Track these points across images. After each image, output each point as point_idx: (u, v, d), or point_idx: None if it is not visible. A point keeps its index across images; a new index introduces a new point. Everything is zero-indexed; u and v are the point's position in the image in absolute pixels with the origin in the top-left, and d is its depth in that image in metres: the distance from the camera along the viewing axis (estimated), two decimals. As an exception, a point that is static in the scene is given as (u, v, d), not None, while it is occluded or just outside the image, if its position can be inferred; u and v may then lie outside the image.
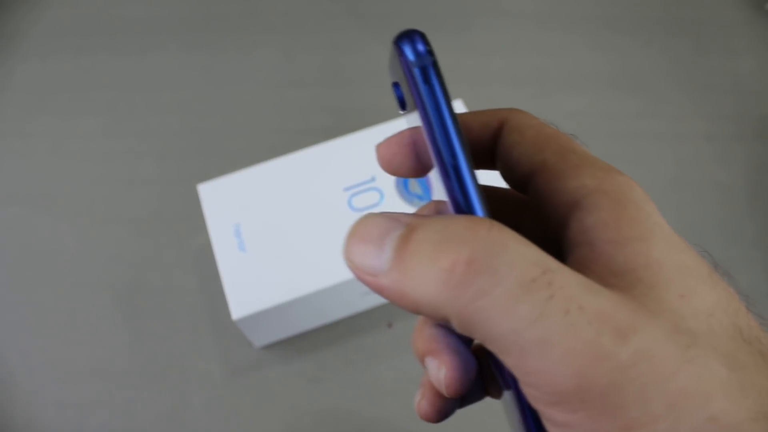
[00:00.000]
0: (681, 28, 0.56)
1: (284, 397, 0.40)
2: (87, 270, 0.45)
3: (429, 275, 0.13)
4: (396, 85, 0.17)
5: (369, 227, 0.14)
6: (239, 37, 0.56)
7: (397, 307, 0.44)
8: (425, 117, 0.14)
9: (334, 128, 0.49)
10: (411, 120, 0.17)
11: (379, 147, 0.18)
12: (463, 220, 0.13)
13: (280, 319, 0.38)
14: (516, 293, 0.12)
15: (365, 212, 0.38)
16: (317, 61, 0.55)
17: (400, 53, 0.14)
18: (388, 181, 0.40)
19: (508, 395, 0.15)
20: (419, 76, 0.14)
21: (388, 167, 0.18)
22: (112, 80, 0.54)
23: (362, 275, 0.14)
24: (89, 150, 0.50)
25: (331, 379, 0.41)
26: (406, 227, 0.14)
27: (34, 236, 0.46)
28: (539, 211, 0.16)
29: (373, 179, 0.40)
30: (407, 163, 0.18)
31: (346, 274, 0.37)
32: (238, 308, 0.36)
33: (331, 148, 0.41)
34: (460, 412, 0.20)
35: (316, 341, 0.42)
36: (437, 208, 0.18)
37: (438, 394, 0.19)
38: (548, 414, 0.13)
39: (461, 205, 0.14)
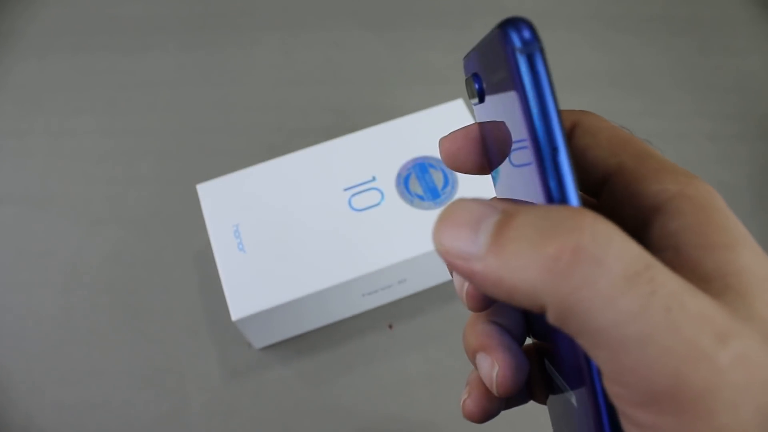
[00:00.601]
0: (684, 26, 0.56)
1: (284, 398, 0.40)
2: (85, 270, 0.45)
3: (531, 261, 0.12)
4: (476, 76, 0.17)
5: (463, 211, 0.14)
6: (238, 35, 0.56)
7: (397, 308, 0.44)
8: (526, 104, 0.13)
9: (334, 128, 0.48)
10: (489, 112, 0.16)
11: (444, 141, 0.18)
12: (566, 209, 0.13)
13: (280, 319, 0.38)
14: (620, 285, 0.12)
15: (366, 211, 0.38)
16: (317, 60, 0.54)
17: (505, 39, 0.13)
18: (388, 181, 0.39)
19: (572, 397, 0.15)
20: (525, 63, 0.13)
21: (453, 162, 0.18)
22: (110, 79, 0.54)
23: (453, 260, 0.14)
24: (87, 149, 0.50)
25: (331, 380, 0.41)
26: (502, 213, 0.13)
27: (31, 236, 0.46)
28: (614, 216, 0.16)
29: (373, 179, 0.40)
30: (472, 158, 0.18)
31: (346, 274, 0.37)
32: (238, 309, 0.36)
33: (331, 148, 0.41)
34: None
35: (316, 342, 0.42)
36: None
37: (485, 394, 0.18)
38: (633, 415, 0.12)
39: (556, 196, 0.13)
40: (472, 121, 0.42)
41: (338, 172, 0.40)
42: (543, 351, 0.18)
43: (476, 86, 0.17)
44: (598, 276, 0.12)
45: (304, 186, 0.39)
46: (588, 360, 0.13)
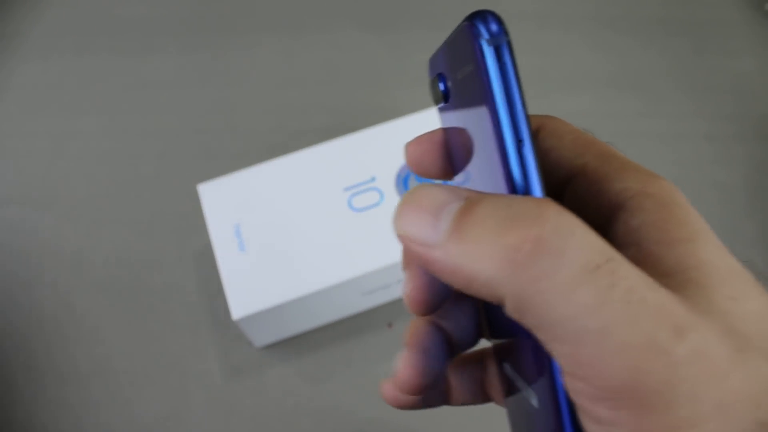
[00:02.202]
0: (681, 28, 0.56)
1: (284, 396, 0.40)
2: (86, 270, 0.45)
3: (491, 250, 0.12)
4: (441, 76, 0.16)
5: (425, 197, 0.14)
6: (239, 37, 0.56)
7: (397, 308, 0.44)
8: (492, 96, 0.13)
9: (334, 128, 0.49)
10: (453, 114, 0.16)
11: (409, 145, 0.18)
12: (529, 200, 0.13)
13: (281, 319, 0.38)
14: (580, 278, 0.12)
15: (366, 211, 0.38)
16: (317, 61, 0.55)
17: (473, 31, 0.13)
18: (388, 181, 0.40)
19: (533, 396, 0.15)
20: (492, 54, 0.13)
21: (418, 167, 0.18)
22: (112, 80, 0.54)
23: (413, 246, 0.13)
24: (89, 150, 0.50)
25: (332, 379, 0.41)
26: (466, 200, 0.13)
27: (33, 236, 0.46)
28: (576, 215, 0.16)
29: (373, 179, 0.40)
30: (437, 163, 0.18)
31: (346, 273, 0.37)
32: (239, 308, 0.36)
33: (331, 148, 0.41)
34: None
35: (317, 341, 0.42)
36: None
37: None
38: (592, 410, 0.12)
39: (520, 187, 0.13)
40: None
41: (338, 172, 0.40)
42: (502, 353, 0.18)
43: (441, 86, 0.17)
44: (558, 268, 0.12)
45: (305, 186, 0.40)
46: (548, 356, 0.13)
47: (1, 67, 0.55)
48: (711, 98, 0.52)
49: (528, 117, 0.13)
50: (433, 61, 0.17)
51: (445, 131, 0.18)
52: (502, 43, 0.13)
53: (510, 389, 0.17)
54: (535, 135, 0.17)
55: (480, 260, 0.12)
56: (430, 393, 0.20)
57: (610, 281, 0.12)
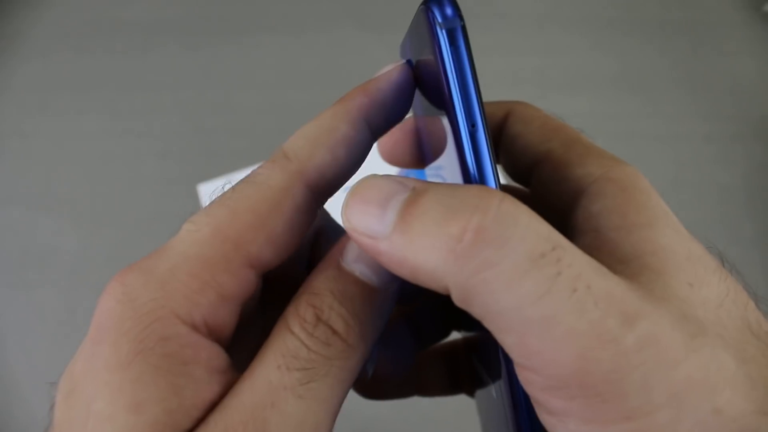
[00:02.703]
0: (680, 29, 0.56)
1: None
2: (87, 270, 0.45)
3: (434, 241, 0.12)
4: (409, 63, 0.17)
5: (372, 188, 0.13)
6: (240, 37, 0.56)
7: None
8: (446, 79, 0.13)
9: (335, 129, 0.49)
10: (419, 104, 0.16)
11: (381, 139, 0.18)
12: (474, 188, 0.12)
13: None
14: (524, 267, 0.11)
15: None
16: (318, 61, 0.55)
17: (428, 15, 0.13)
18: (388, 182, 0.40)
19: (493, 389, 0.15)
20: (445, 37, 0.13)
21: (390, 156, 0.18)
22: (112, 81, 0.54)
23: (360, 238, 0.13)
24: (90, 150, 0.50)
25: (332, 379, 0.41)
26: (412, 191, 0.13)
27: (34, 236, 0.46)
28: (542, 202, 0.16)
29: (373, 179, 0.40)
30: (408, 152, 0.17)
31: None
32: (239, 308, 0.36)
33: (331, 148, 0.41)
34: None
35: (317, 341, 0.42)
36: None
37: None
38: (544, 401, 0.12)
39: (473, 175, 0.13)
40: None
41: (338, 172, 0.40)
42: (471, 345, 0.17)
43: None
44: (501, 257, 0.11)
45: (305, 186, 0.40)
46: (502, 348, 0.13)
47: (1, 67, 0.55)
48: (710, 99, 0.52)
49: (482, 102, 0.13)
50: (402, 48, 0.17)
51: (416, 120, 0.17)
52: (456, 26, 0.13)
53: (478, 382, 0.17)
54: (503, 121, 0.17)
55: (423, 251, 0.12)
56: (399, 384, 0.19)
57: (556, 269, 0.11)
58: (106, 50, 0.56)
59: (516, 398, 0.13)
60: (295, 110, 0.52)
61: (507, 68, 0.53)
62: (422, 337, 0.19)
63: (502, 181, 0.14)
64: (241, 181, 0.14)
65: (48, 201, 0.48)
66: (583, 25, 0.56)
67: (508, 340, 0.12)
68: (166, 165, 0.49)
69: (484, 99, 0.14)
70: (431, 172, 0.18)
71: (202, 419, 0.13)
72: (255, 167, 0.44)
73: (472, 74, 0.13)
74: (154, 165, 0.49)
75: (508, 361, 0.13)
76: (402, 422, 0.39)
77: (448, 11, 0.13)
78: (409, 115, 0.17)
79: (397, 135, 0.18)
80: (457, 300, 0.12)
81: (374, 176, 0.14)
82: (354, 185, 0.14)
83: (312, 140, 0.15)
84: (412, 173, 0.17)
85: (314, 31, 0.57)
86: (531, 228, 0.12)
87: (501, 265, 0.11)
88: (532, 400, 0.13)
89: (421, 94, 0.16)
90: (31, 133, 0.51)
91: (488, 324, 0.12)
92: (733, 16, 0.57)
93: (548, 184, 0.15)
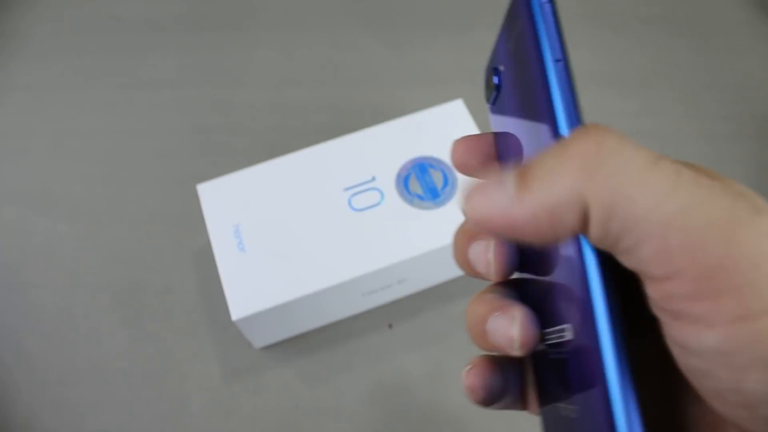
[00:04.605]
0: (681, 27, 0.56)
1: (284, 398, 0.40)
2: (85, 270, 0.45)
3: (562, 170, 0.13)
4: (495, 70, 0.18)
5: (483, 181, 0.15)
6: (239, 36, 0.56)
7: (397, 308, 0.44)
8: (538, 39, 0.15)
9: (334, 128, 0.48)
10: (503, 105, 0.17)
11: (455, 143, 0.19)
12: (575, 129, 0.13)
13: (280, 319, 0.38)
14: (649, 167, 0.12)
15: (366, 211, 0.38)
16: (317, 60, 0.55)
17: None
18: (388, 181, 0.40)
19: (572, 410, 0.15)
20: (539, 7, 0.15)
21: (462, 167, 0.19)
22: (110, 80, 0.54)
23: (489, 217, 0.14)
24: (88, 149, 0.50)
25: (331, 380, 0.41)
26: (518, 167, 0.14)
27: (32, 236, 0.46)
28: None
29: (373, 179, 0.40)
30: (480, 161, 0.19)
31: (346, 274, 0.37)
32: (238, 309, 0.36)
33: (331, 147, 0.41)
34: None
35: (317, 342, 0.42)
36: None
37: (489, 367, 0.18)
38: (688, 310, 0.12)
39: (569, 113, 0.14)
40: (471, 121, 0.42)
41: (338, 172, 0.40)
42: (544, 363, 0.17)
43: (495, 79, 0.18)
44: (626, 162, 0.12)
45: (304, 186, 0.40)
46: (599, 360, 0.13)
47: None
48: (711, 97, 0.52)
49: (564, 44, 0.15)
50: (489, 63, 0.19)
51: (495, 133, 0.19)
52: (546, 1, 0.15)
53: (545, 398, 0.17)
54: None
55: (556, 184, 0.13)
56: (503, 401, 0.19)
57: (675, 168, 0.12)
58: (104, 49, 0.55)
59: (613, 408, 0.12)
60: (296, 109, 0.52)
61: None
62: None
63: None
64: None
65: (45, 200, 0.48)
66: (583, 22, 0.56)
67: (647, 249, 0.12)
68: (165, 164, 0.49)
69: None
70: None
71: None
72: (255, 167, 0.44)
73: (556, 27, 0.15)
74: (152, 165, 0.49)
75: (606, 375, 0.12)
76: (402, 423, 0.39)
77: None
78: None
79: (471, 143, 0.19)
80: (597, 220, 0.13)
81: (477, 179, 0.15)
82: (465, 189, 0.15)
83: None
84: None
85: (315, 28, 0.56)
86: (635, 144, 0.13)
87: (628, 168, 0.12)
88: (672, 317, 0.13)
89: (506, 93, 0.17)
90: (30, 132, 0.51)
91: (626, 240, 0.12)
92: (736, 15, 0.56)
93: None
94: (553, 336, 0.16)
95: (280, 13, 0.58)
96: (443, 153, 0.41)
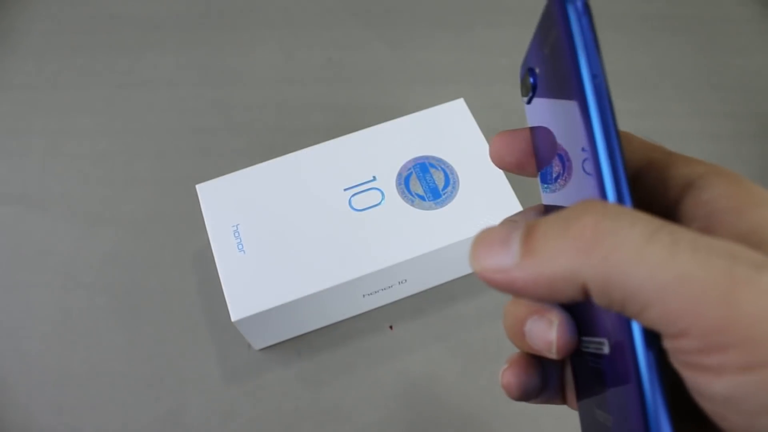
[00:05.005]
0: (685, 25, 0.56)
1: (284, 399, 0.40)
2: (83, 271, 0.44)
3: (561, 248, 0.14)
4: (531, 71, 0.18)
5: (491, 233, 0.15)
6: (238, 34, 0.56)
7: (398, 309, 0.44)
8: (571, 39, 0.15)
9: (335, 127, 0.48)
10: (540, 105, 0.18)
11: (494, 139, 0.20)
12: (578, 204, 0.14)
13: (280, 320, 0.38)
14: (642, 241, 0.13)
15: (367, 211, 0.38)
16: (317, 59, 0.54)
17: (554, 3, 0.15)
18: (389, 181, 0.39)
19: (614, 395, 0.15)
20: (574, 10, 0.15)
21: (499, 160, 0.20)
22: (108, 78, 0.53)
23: (493, 275, 0.15)
24: (85, 149, 0.50)
25: (332, 382, 0.40)
26: (525, 225, 0.15)
27: (29, 236, 0.46)
28: (644, 202, 0.17)
29: (373, 179, 0.39)
30: (516, 156, 0.20)
31: (346, 274, 0.36)
32: (237, 309, 0.35)
33: (331, 147, 0.41)
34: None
35: (317, 343, 0.42)
36: (539, 209, 0.20)
37: (525, 367, 0.19)
38: (698, 362, 0.13)
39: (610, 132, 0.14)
40: (473, 120, 0.42)
41: (338, 172, 0.40)
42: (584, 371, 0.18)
43: (531, 80, 0.18)
44: (621, 240, 0.13)
45: (304, 186, 0.39)
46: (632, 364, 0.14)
47: (-3, 65, 0.54)
48: (716, 96, 0.52)
49: (601, 57, 0.15)
50: (525, 61, 0.19)
51: (532, 129, 0.19)
52: (580, 2, 0.15)
53: (582, 391, 0.18)
54: None
55: (555, 260, 0.14)
56: (542, 395, 0.20)
57: (672, 238, 0.13)
58: (102, 47, 0.55)
59: (653, 387, 0.14)
60: (296, 108, 0.52)
61: (510, 66, 0.53)
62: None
63: None
64: None
65: (42, 200, 0.47)
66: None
67: (652, 314, 0.13)
68: (163, 165, 0.49)
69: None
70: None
71: None
72: (255, 167, 0.43)
73: (594, 42, 0.15)
74: (151, 164, 0.49)
75: (650, 343, 0.13)
76: (402, 424, 0.39)
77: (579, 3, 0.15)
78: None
79: (507, 139, 0.20)
80: (597, 294, 0.13)
81: (490, 226, 0.16)
82: (475, 238, 0.16)
83: None
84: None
85: (314, 28, 0.56)
86: (637, 215, 0.13)
87: (623, 246, 0.13)
88: (686, 368, 0.13)
89: (542, 94, 0.17)
90: (26, 132, 0.51)
91: (631, 307, 0.13)
92: (742, 12, 0.56)
93: (651, 186, 0.17)
94: (591, 345, 0.16)
95: (279, 12, 0.57)
96: (445, 152, 0.40)
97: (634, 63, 0.53)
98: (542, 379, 0.19)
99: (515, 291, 0.15)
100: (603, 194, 0.14)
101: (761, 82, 0.52)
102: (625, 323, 0.14)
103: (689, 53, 0.54)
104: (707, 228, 0.15)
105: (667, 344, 0.13)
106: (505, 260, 0.15)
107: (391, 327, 0.42)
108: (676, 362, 0.14)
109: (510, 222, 0.16)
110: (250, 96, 0.52)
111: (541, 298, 0.15)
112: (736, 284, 0.12)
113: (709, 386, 0.13)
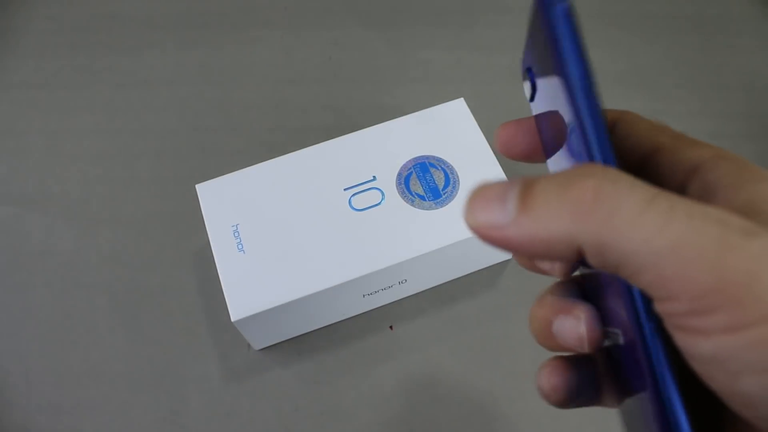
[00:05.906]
0: (688, 24, 0.56)
1: (284, 399, 0.40)
2: (83, 271, 0.44)
3: (558, 209, 0.14)
4: (529, 70, 0.18)
5: (488, 189, 0.15)
6: (238, 33, 0.56)
7: (398, 309, 0.44)
8: (556, 43, 0.15)
9: (335, 127, 0.48)
10: (539, 103, 0.18)
11: (500, 128, 0.20)
12: (578, 167, 0.14)
13: (280, 320, 0.38)
14: (641, 207, 0.13)
15: (367, 210, 0.38)
16: (317, 58, 0.54)
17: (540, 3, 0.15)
18: (389, 181, 0.39)
19: (634, 402, 0.15)
20: (556, 13, 0.15)
21: (505, 149, 0.20)
22: (107, 78, 0.53)
23: (487, 231, 0.15)
24: (85, 149, 0.50)
25: (332, 382, 0.40)
26: (523, 182, 0.15)
27: (28, 237, 0.46)
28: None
29: (373, 179, 0.39)
30: (522, 145, 0.20)
31: (346, 274, 0.36)
32: (237, 310, 0.35)
33: (331, 147, 0.41)
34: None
35: (317, 343, 0.41)
36: None
37: (565, 366, 0.19)
38: (687, 324, 0.13)
39: (589, 134, 0.15)
40: (473, 120, 0.42)
41: (338, 171, 0.40)
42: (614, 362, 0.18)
43: (530, 78, 0.18)
44: (620, 204, 0.13)
45: (304, 186, 0.39)
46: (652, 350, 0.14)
47: (-4, 64, 0.54)
48: (718, 96, 0.51)
49: (588, 60, 0.15)
50: (524, 59, 0.19)
51: (536, 119, 0.20)
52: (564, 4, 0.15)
53: (622, 391, 0.18)
54: (611, 127, 0.18)
55: (551, 220, 0.14)
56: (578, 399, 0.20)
57: (669, 204, 0.13)
58: (101, 47, 0.55)
59: (660, 362, 0.14)
60: (295, 108, 0.52)
61: (511, 65, 0.53)
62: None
63: None
64: None
65: (42, 200, 0.47)
66: (588, 20, 0.55)
67: (645, 278, 0.13)
68: (162, 164, 0.49)
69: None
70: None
71: None
72: (255, 167, 0.43)
73: (579, 40, 0.15)
74: (151, 164, 0.49)
75: (648, 311, 0.14)
76: (403, 424, 0.39)
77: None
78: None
79: (513, 128, 0.20)
80: (592, 255, 0.14)
81: (486, 182, 0.15)
82: (470, 193, 0.15)
83: None
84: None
85: (314, 27, 0.56)
86: (636, 183, 0.13)
87: (621, 211, 0.13)
88: (676, 330, 0.14)
89: (540, 95, 0.18)
90: (25, 131, 0.51)
91: (623, 271, 0.13)
92: (745, 11, 0.56)
93: (660, 170, 0.17)
94: (611, 335, 0.17)
95: (279, 11, 0.57)
96: (445, 152, 0.40)
97: (636, 62, 0.53)
98: (578, 378, 0.19)
99: (509, 248, 0.15)
100: (590, 156, 0.15)
101: (763, 82, 0.52)
102: (625, 288, 0.14)
103: (691, 53, 0.54)
104: (708, 201, 0.15)
105: (658, 307, 0.14)
106: (501, 217, 0.14)
107: (391, 327, 0.42)
108: (669, 326, 0.14)
109: (509, 179, 0.15)
110: (250, 95, 0.52)
111: (534, 255, 0.15)
112: (726, 249, 0.12)
113: (696, 347, 0.13)
